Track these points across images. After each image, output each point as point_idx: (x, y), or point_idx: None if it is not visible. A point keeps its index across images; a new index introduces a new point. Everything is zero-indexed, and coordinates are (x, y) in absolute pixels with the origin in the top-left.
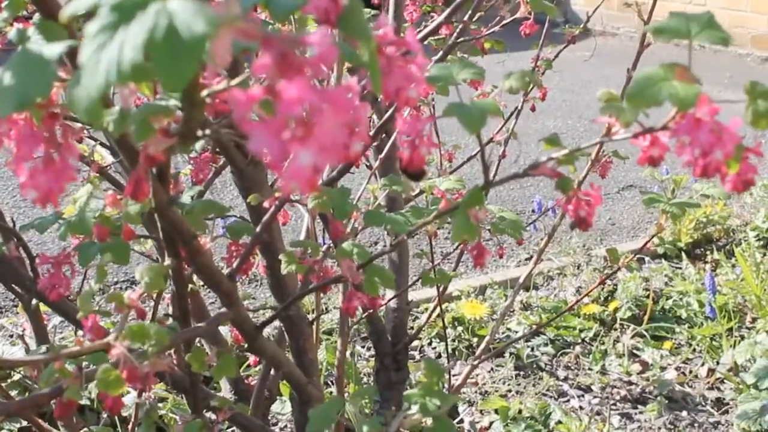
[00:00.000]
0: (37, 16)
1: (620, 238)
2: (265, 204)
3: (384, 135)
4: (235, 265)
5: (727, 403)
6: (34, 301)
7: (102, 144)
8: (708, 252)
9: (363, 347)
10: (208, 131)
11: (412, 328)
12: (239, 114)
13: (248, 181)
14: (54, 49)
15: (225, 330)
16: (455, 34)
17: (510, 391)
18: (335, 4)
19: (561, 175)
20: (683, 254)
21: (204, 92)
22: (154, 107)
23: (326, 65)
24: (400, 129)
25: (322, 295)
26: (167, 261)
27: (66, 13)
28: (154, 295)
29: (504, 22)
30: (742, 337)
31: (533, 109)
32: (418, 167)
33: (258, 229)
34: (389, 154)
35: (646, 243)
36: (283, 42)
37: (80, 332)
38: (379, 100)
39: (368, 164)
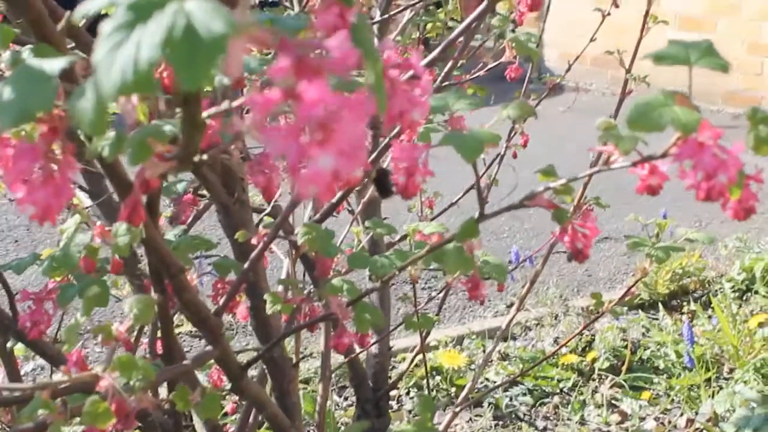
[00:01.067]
0: None
1: (597, 289)
2: (253, 241)
3: (366, 180)
4: (221, 302)
5: None
6: (9, 343)
7: (80, 187)
8: (684, 303)
9: (340, 396)
10: (205, 156)
11: (390, 377)
12: (257, 117)
13: (234, 220)
14: (55, 65)
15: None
16: (439, 80)
17: None
18: (343, 22)
19: (557, 206)
20: (660, 305)
21: (205, 114)
22: (151, 129)
23: (345, 69)
24: (395, 156)
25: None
26: (153, 296)
27: (80, 14)
28: (135, 332)
29: (488, 67)
30: (721, 388)
31: (515, 155)
32: (412, 195)
33: (246, 265)
34: (371, 199)
35: (630, 288)
36: (300, 46)
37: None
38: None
39: (350, 209)
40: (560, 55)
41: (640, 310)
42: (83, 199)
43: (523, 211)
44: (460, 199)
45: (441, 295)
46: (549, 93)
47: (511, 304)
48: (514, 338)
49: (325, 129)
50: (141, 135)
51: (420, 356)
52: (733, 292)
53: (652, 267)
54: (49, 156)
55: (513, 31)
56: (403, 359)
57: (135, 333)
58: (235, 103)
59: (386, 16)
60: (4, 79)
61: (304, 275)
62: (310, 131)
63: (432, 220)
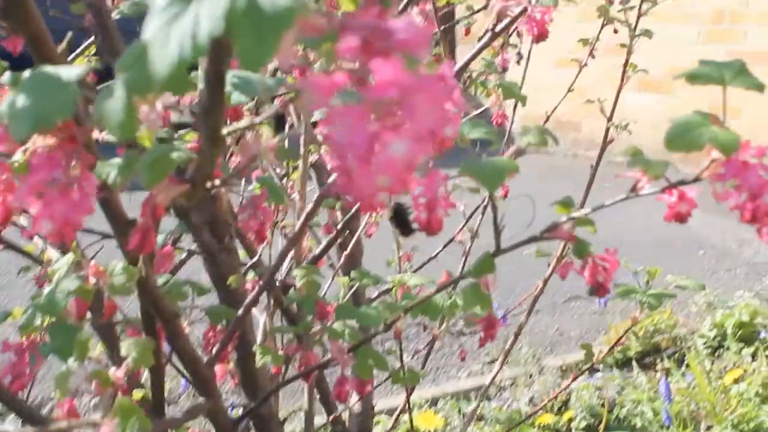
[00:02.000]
0: None
1: (569, 348)
2: (247, 286)
3: (348, 232)
4: (214, 351)
5: None
6: None
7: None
8: (658, 360)
9: None
10: (217, 181)
11: None
12: (320, 101)
13: (222, 268)
14: (72, 72)
15: None
16: None
17: None
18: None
19: (577, 239)
20: (634, 363)
21: (225, 130)
22: (164, 149)
23: (415, 51)
24: (416, 192)
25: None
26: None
27: None
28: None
29: (472, 114)
30: None
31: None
32: (436, 231)
33: (240, 312)
34: (353, 251)
35: (620, 338)
36: (365, 27)
37: None
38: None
39: (331, 263)
40: (521, 117)
41: (614, 369)
42: (57, 258)
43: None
44: (439, 253)
45: (432, 349)
46: (512, 155)
47: (491, 362)
48: (488, 398)
49: (395, 114)
50: (154, 155)
51: (402, 415)
52: (706, 348)
53: (642, 315)
54: (67, 168)
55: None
56: (378, 422)
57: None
58: (260, 119)
59: None
60: (17, 87)
61: (283, 340)
62: (381, 116)
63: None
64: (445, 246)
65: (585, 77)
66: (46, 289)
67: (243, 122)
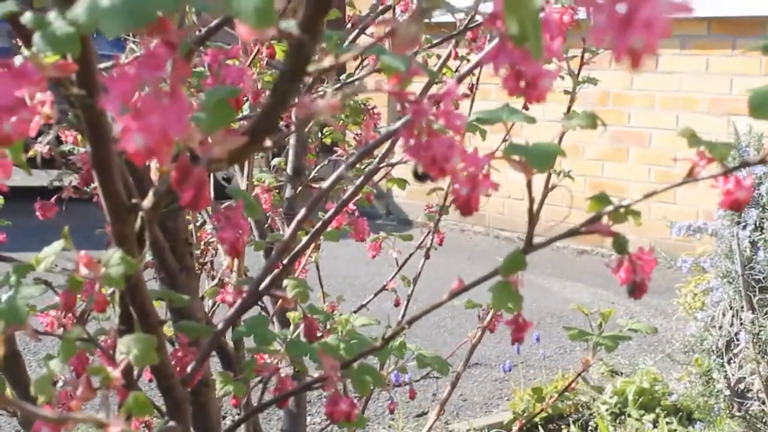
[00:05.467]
0: None
1: (474, 413)
2: (227, 299)
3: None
4: (190, 369)
5: None
6: None
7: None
8: (563, 426)
9: None
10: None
11: None
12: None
13: (181, 289)
14: None
15: None
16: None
17: None
18: None
19: (617, 234)
20: (540, 429)
21: (311, 67)
22: (229, 89)
23: None
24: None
25: None
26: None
27: None
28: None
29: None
30: None
31: (428, 256)
32: (473, 210)
33: (220, 326)
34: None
35: (570, 382)
36: None
37: None
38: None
39: (263, 306)
40: (409, 192)
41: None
42: None
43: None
44: (370, 300)
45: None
46: (399, 229)
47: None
48: None
49: None
50: (219, 94)
51: None
52: (609, 414)
53: (594, 360)
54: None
55: None
56: None
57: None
58: (347, 56)
59: None
60: None
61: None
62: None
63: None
64: (376, 294)
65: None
66: (5, 296)
67: (327, 61)
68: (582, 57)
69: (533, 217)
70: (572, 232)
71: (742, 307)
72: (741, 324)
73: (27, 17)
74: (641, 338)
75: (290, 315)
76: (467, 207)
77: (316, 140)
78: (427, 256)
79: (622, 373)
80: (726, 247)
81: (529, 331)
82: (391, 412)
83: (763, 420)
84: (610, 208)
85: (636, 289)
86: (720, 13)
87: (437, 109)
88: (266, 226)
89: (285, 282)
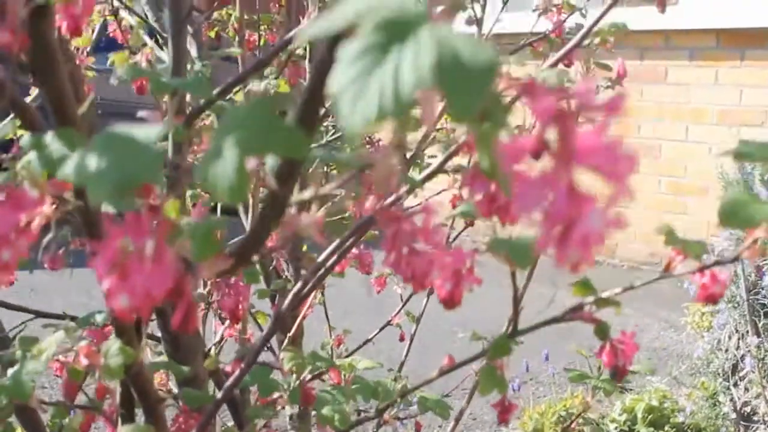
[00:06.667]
0: None
1: None
2: (228, 369)
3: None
4: None
5: None
6: None
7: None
8: None
9: None
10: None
11: None
12: (504, 167)
13: (183, 351)
14: (150, 132)
15: None
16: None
17: None
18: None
19: (599, 321)
20: None
21: (292, 198)
22: (216, 221)
23: (613, 115)
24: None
25: None
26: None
27: (304, 36)
28: None
29: None
30: None
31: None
32: (456, 304)
33: (220, 395)
34: (294, 335)
35: (571, 422)
36: (551, 91)
37: None
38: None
39: (269, 346)
40: None
41: None
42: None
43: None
44: (375, 335)
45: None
46: None
47: None
48: None
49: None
50: (206, 227)
51: None
52: None
53: (595, 399)
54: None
55: None
56: None
57: None
58: (328, 188)
59: None
60: (86, 148)
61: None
62: (573, 185)
63: (347, 357)
64: (381, 329)
65: None
66: (11, 370)
67: (307, 193)
68: None
69: (517, 305)
70: (555, 320)
71: (748, 331)
72: (747, 348)
73: (25, 140)
74: (651, 353)
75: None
76: (450, 302)
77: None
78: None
79: (631, 390)
80: (731, 272)
81: (537, 348)
82: None
83: None
84: (591, 299)
85: (618, 373)
86: (728, 24)
87: (417, 227)
88: (271, 267)
89: (281, 354)
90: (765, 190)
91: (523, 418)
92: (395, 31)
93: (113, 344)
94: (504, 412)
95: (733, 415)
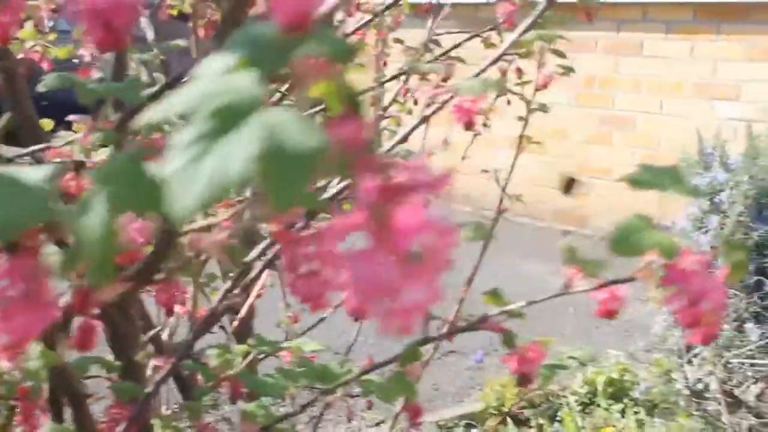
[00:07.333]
0: None
1: (445, 403)
2: (157, 363)
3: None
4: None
5: None
6: None
7: None
8: (532, 417)
9: None
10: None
11: None
12: (331, 243)
13: (122, 339)
14: (39, 173)
15: None
16: None
17: None
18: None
19: (506, 330)
20: (508, 419)
21: (187, 227)
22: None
23: (437, 192)
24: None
25: None
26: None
27: (143, 120)
28: None
29: None
30: None
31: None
32: (365, 317)
33: (150, 389)
34: (245, 317)
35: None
36: (382, 166)
37: None
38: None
39: (221, 325)
40: None
41: (488, 423)
42: None
43: None
44: (328, 315)
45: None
46: None
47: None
48: None
49: (418, 259)
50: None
51: None
52: (578, 405)
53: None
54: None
55: None
56: None
57: None
58: (215, 220)
59: None
60: None
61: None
62: (399, 261)
63: (301, 335)
64: (335, 307)
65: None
66: None
67: (200, 222)
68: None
69: (461, 305)
70: (470, 327)
71: None
72: None
73: None
74: (614, 326)
75: (235, 348)
76: (359, 313)
77: None
78: None
79: (593, 362)
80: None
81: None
82: (350, 420)
83: (719, 418)
84: (501, 309)
85: (524, 380)
86: None
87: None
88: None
89: (209, 351)
90: (723, 171)
91: (485, 390)
92: (227, 118)
93: (34, 347)
94: (415, 415)
95: (686, 392)
